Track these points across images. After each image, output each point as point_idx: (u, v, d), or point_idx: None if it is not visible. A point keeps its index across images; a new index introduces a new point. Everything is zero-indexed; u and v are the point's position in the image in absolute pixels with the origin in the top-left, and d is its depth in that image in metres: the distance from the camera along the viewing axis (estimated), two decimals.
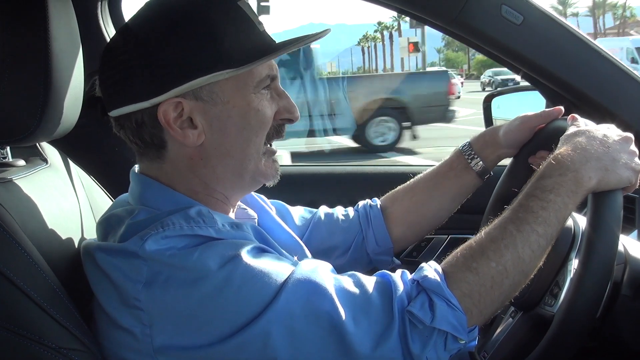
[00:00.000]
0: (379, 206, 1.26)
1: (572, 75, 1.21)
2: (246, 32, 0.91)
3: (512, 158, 1.19)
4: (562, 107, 1.11)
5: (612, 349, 1.02)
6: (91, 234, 1.07)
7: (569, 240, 1.00)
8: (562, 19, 1.22)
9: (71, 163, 1.19)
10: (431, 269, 0.86)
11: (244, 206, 1.07)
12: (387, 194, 1.29)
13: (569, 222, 1.03)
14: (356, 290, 0.83)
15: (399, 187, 1.28)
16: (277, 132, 0.97)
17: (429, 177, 1.24)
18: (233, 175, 0.94)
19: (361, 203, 1.30)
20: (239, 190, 0.99)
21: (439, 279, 0.84)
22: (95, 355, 0.83)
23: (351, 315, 0.80)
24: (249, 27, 0.91)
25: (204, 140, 0.91)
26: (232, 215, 1.01)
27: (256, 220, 1.07)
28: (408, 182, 1.27)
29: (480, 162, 1.18)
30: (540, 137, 1.12)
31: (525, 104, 1.71)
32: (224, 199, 0.97)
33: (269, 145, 0.97)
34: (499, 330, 1.15)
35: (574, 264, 0.97)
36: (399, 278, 0.86)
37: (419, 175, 1.26)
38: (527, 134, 1.15)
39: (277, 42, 0.94)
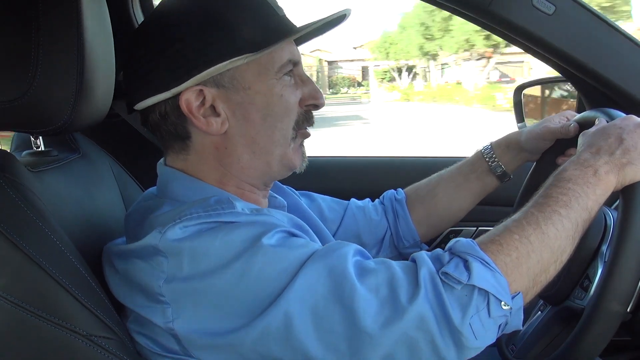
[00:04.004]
0: (404, 201, 1.26)
1: (606, 67, 1.19)
2: (264, 17, 0.90)
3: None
4: (578, 126, 1.08)
5: None
6: (121, 225, 1.08)
7: (600, 233, 0.99)
8: (595, 8, 1.20)
9: (103, 153, 1.21)
10: (461, 238, 0.84)
11: (275, 195, 1.06)
12: (409, 187, 1.29)
13: (600, 215, 1.01)
14: (378, 267, 0.80)
15: (420, 184, 1.28)
16: (306, 119, 0.96)
17: (450, 177, 1.25)
18: (260, 164, 0.94)
19: (386, 195, 1.29)
20: (268, 179, 0.98)
21: (470, 242, 0.82)
22: (125, 344, 0.84)
23: (374, 289, 0.77)
24: (267, 12, 0.91)
25: (228, 128, 0.91)
26: (263, 204, 1.00)
27: (286, 208, 1.06)
28: (429, 180, 1.27)
29: (502, 166, 1.20)
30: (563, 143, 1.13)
31: None
32: (251, 189, 0.96)
33: (301, 131, 0.96)
34: (527, 323, 1.14)
35: (606, 257, 0.96)
36: (422, 253, 0.83)
37: (440, 173, 1.26)
38: (548, 143, 1.16)
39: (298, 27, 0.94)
